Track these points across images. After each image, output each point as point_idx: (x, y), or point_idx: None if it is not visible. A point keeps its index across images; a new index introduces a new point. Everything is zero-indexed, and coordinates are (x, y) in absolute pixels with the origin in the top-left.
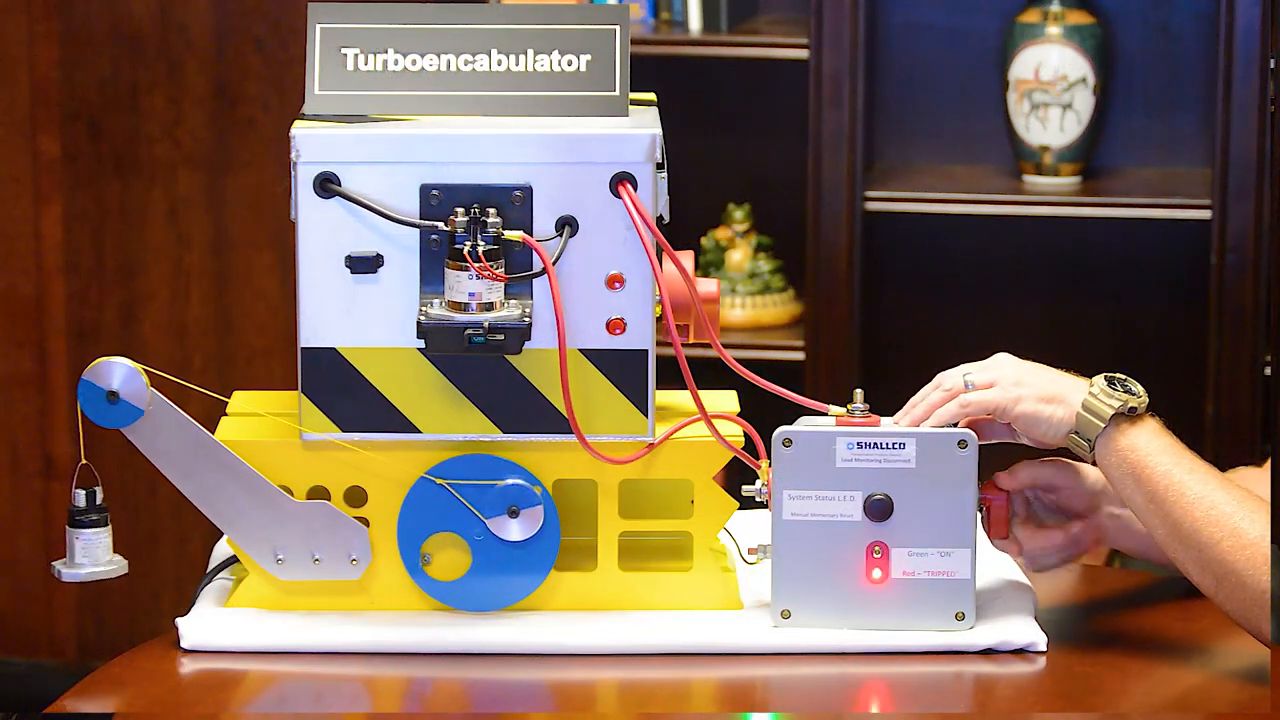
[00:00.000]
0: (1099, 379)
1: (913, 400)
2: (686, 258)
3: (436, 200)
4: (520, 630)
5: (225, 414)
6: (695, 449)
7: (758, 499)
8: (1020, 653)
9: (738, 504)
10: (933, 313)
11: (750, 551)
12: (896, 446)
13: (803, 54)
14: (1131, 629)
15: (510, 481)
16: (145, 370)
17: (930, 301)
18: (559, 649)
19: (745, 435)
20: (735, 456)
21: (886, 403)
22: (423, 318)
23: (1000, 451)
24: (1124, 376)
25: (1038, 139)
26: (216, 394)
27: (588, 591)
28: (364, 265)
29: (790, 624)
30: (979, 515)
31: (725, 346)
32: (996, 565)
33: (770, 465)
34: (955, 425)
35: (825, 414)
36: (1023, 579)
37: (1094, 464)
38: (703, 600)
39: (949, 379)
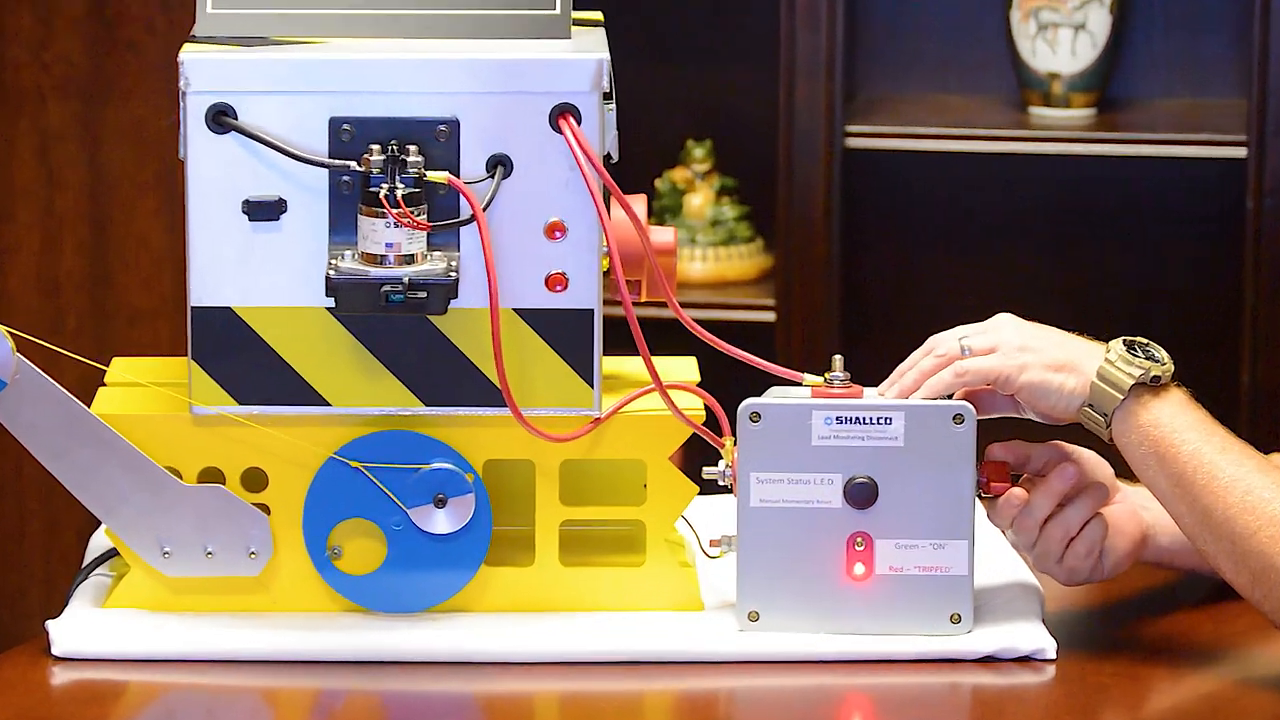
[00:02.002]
0: (1117, 343)
1: (901, 368)
2: (638, 203)
3: (348, 136)
4: (446, 634)
5: (103, 384)
6: (648, 425)
7: (721, 482)
8: (1025, 661)
9: (698, 488)
10: (924, 267)
11: (712, 544)
12: (882, 421)
13: None
14: (1154, 633)
15: (436, 465)
16: (9, 332)
17: (921, 254)
18: (491, 656)
19: (706, 409)
20: (695, 433)
21: (870, 371)
22: (332, 272)
23: (1002, 428)
24: (1146, 340)
25: (1045, 65)
26: (93, 360)
27: (524, 590)
28: (264, 211)
29: (758, 627)
30: (979, 501)
31: (683, 306)
32: (998, 560)
33: (735, 444)
34: (950, 397)
35: (799, 384)
36: (1028, 576)
37: (1110, 441)
38: (657, 600)
39: (943, 343)
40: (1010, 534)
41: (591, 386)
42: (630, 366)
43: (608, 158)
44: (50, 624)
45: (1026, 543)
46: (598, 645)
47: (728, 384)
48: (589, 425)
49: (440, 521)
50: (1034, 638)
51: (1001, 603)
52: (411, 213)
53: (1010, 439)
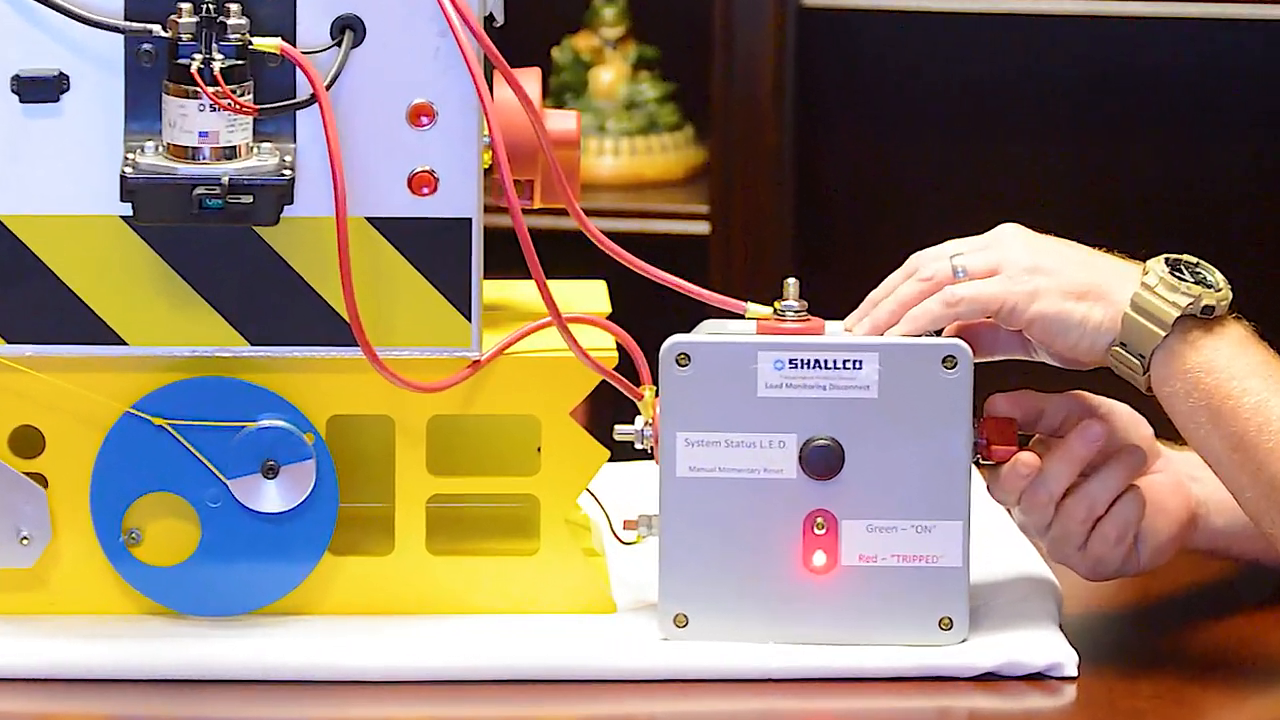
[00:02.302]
0: (1157, 263)
1: (874, 296)
2: (530, 79)
3: None
4: (277, 645)
5: None
6: (543, 370)
7: (638, 445)
8: (1038, 679)
9: (608, 453)
10: (903, 163)
11: (627, 525)
12: (849, 365)
13: None
14: (1206, 642)
15: (265, 422)
16: None
17: (899, 146)
18: (336, 673)
19: (619, 349)
20: (604, 381)
21: (833, 301)
22: (129, 170)
23: (1007, 374)
24: (1194, 259)
25: None
26: None
27: (381, 586)
28: (38, 90)
29: (686, 635)
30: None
31: (590, 214)
32: (1001, 547)
33: (658, 395)
34: (939, 333)
35: (740, 316)
36: (1042, 568)
37: (1149, 391)
38: (555, 599)
39: (930, 264)
40: (1018, 513)
41: (469, 320)
42: (520, 294)
43: (489, 20)
44: None
45: (1039, 524)
46: (476, 659)
47: (648, 316)
48: (465, 371)
49: (271, 496)
50: (1048, 649)
51: (1006, 603)
52: (233, 92)
53: (1017, 389)
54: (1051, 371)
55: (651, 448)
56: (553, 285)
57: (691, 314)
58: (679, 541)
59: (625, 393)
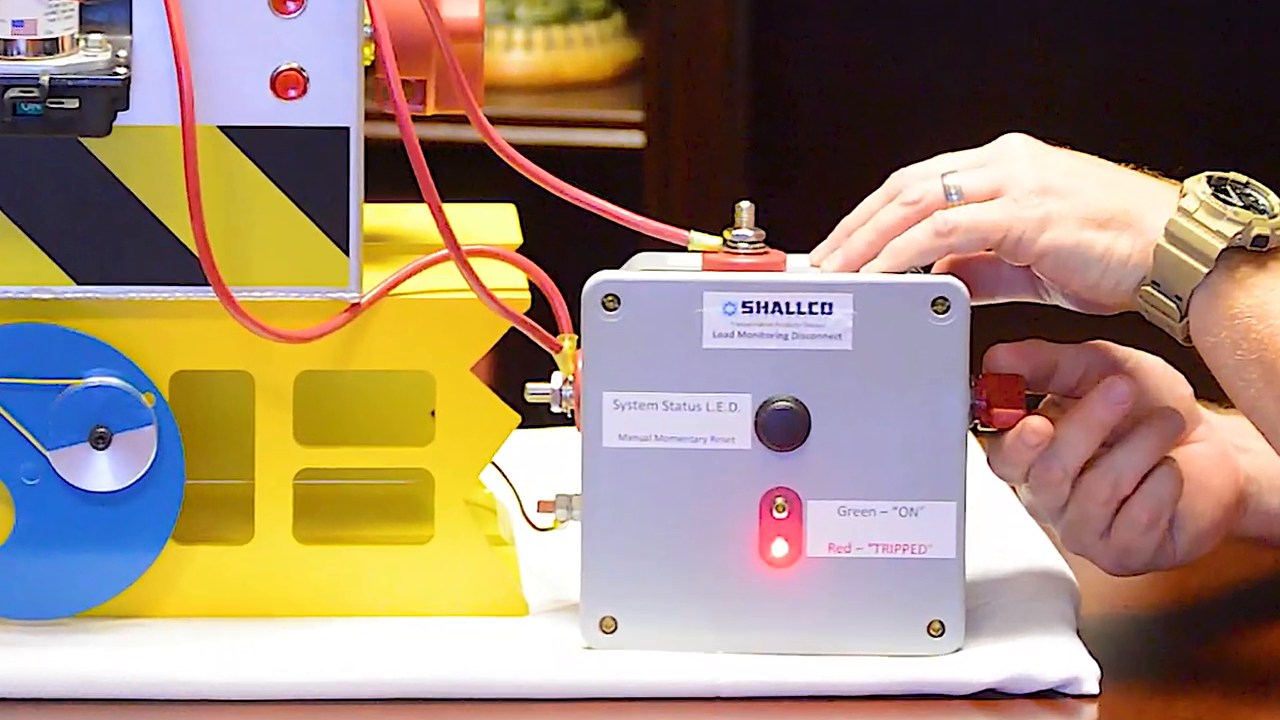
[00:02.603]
0: (1197, 182)
1: (847, 222)
2: None
3: None
4: (108, 655)
5: None
6: (438, 316)
7: (556, 409)
8: (1050, 698)
9: (518, 418)
10: (882, 57)
11: (542, 508)
12: (816, 310)
13: None
14: (1256, 651)
15: (94, 379)
16: None
17: (877, 36)
18: (179, 690)
19: (532, 289)
20: (514, 328)
21: (797, 229)
22: None
23: (1012, 321)
24: (1243, 177)
25: None
26: None
27: (236, 583)
28: None
29: (615, 642)
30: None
31: (496, 123)
32: (1005, 534)
33: (580, 346)
34: (928, 269)
35: (683, 248)
36: (1055, 560)
37: (1187, 342)
38: (453, 598)
39: (917, 183)
40: (1026, 492)
41: (346, 253)
42: (409, 221)
43: None
44: None
45: (1052, 505)
46: (354, 673)
47: (568, 249)
48: (341, 316)
49: (101, 471)
50: (1063, 660)
51: (1011, 603)
52: None
53: (1024, 338)
54: (1067, 317)
55: (572, 411)
56: (450, 210)
57: (622, 246)
58: (606, 527)
59: (540, 343)
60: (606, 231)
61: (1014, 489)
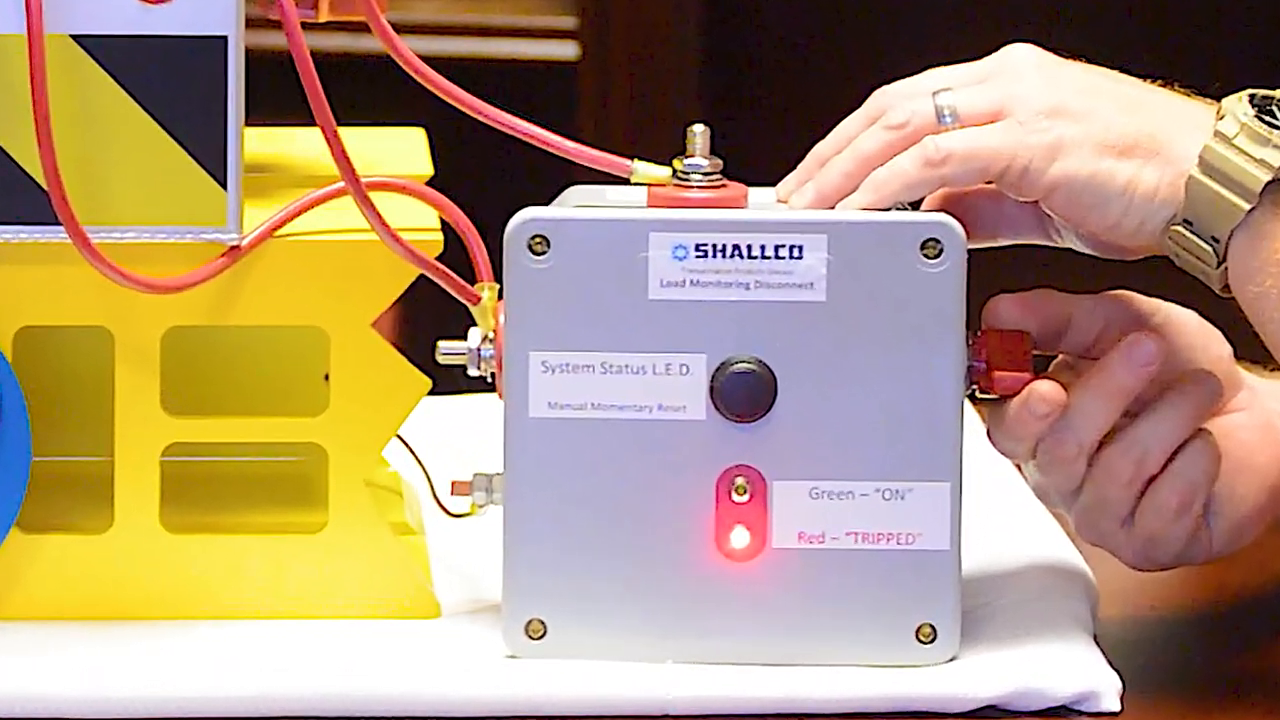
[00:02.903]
0: (1237, 101)
1: (821, 149)
2: None
3: None
4: None
5: None
6: (332, 261)
7: (474, 372)
8: (1062, 715)
9: (429, 383)
10: None
11: (457, 490)
12: (784, 254)
13: None
14: None
15: None
16: None
17: None
18: (24, 707)
19: (445, 228)
20: (423, 276)
21: (760, 159)
22: None
23: (1018, 268)
24: None
25: None
26: None
27: (93, 577)
28: None
29: (544, 650)
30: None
31: (403, 31)
32: (1008, 521)
33: (502, 297)
34: (917, 205)
35: (625, 180)
36: (1068, 552)
37: (1224, 290)
38: (350, 597)
39: (903, 103)
40: (1034, 470)
41: (224, 187)
42: (300, 149)
43: None
44: None
45: (1065, 487)
46: (232, 686)
47: (489, 181)
48: (218, 261)
49: None
50: (1078, 672)
51: (1016, 604)
52: None
53: (1032, 287)
54: (1082, 263)
55: (493, 375)
56: (347, 135)
57: (553, 178)
58: (533, 513)
59: (454, 294)
60: (534, 161)
61: (1019, 467)
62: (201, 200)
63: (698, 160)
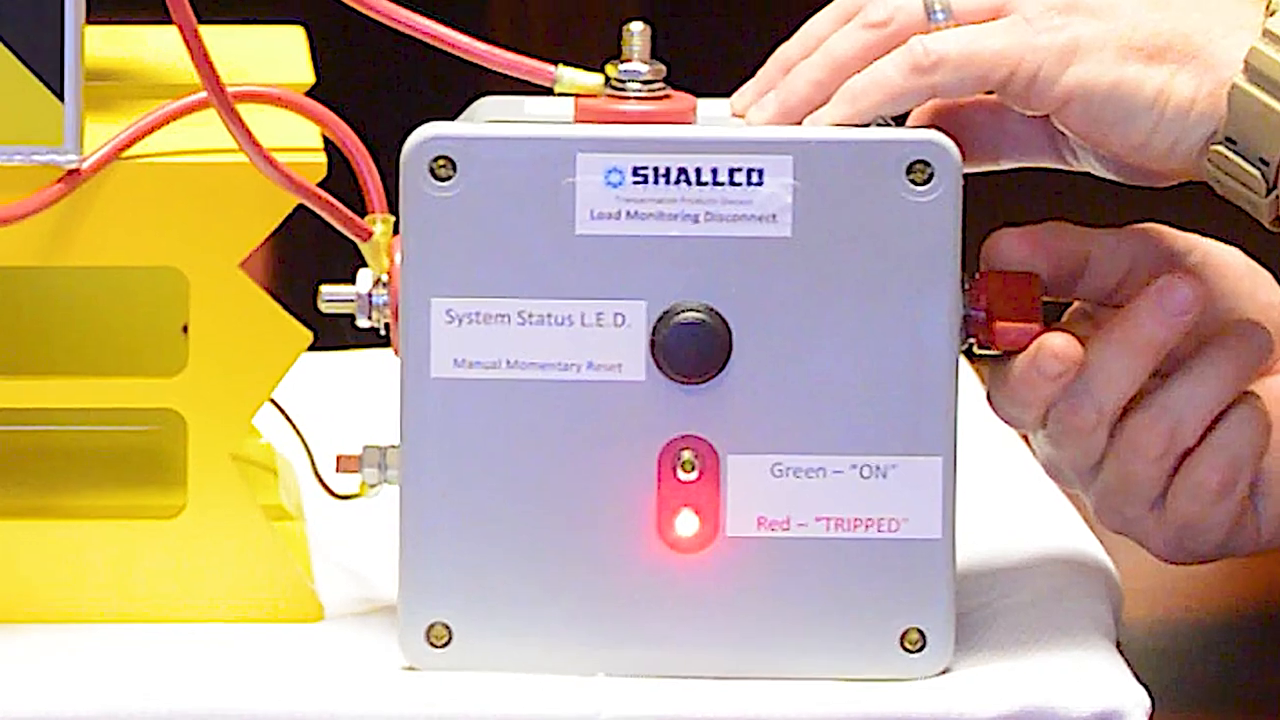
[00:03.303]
0: None
1: (785, 52)
2: None
3: None
4: None
5: None
6: (191, 188)
7: (364, 322)
8: None
9: (310, 336)
10: None
11: (344, 466)
12: (741, 180)
13: None
14: None
15: None
16: None
17: None
18: None
19: (330, 149)
20: (301, 206)
21: (709, 64)
22: None
23: (1022, 199)
24: None
25: None
26: None
27: None
28: None
29: (450, 660)
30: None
31: None
32: (1012, 504)
33: (399, 230)
34: (902, 120)
35: (549, 90)
36: (1085, 541)
37: (1275, 223)
38: (214, 596)
39: None
40: (1043, 441)
41: (60, 98)
42: (152, 51)
43: None
44: None
45: (1082, 462)
46: (72, 702)
47: (382, 91)
48: (54, 188)
49: None
50: (1097, 686)
51: (1022, 604)
52: None
53: (1041, 220)
54: (1102, 191)
55: (387, 326)
56: (210, 35)
57: (460, 87)
58: (435, 495)
59: (340, 228)
60: (438, 67)
61: (1026, 439)
62: (32, 114)
63: (635, 66)
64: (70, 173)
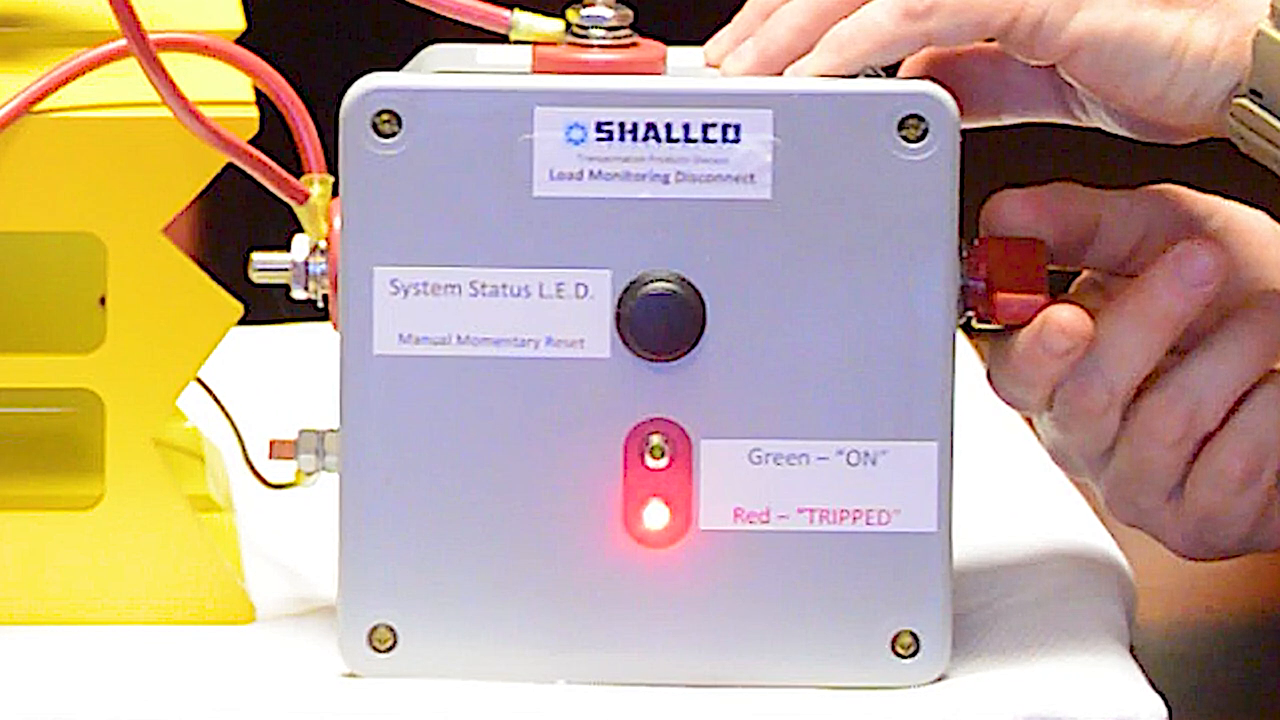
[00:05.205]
0: None
1: None
2: None
3: None
4: None
5: None
6: (109, 145)
7: (300, 293)
8: None
9: (240, 308)
10: None
11: (277, 452)
12: (715, 136)
13: None
14: None
15: None
16: None
17: None
18: None
19: (264, 103)
20: (231, 165)
21: (683, 10)
22: None
23: (1025, 155)
24: None
25: None
26: None
27: None
28: None
29: (394, 667)
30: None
31: None
32: (1015, 493)
33: (338, 192)
34: (892, 71)
35: (504, 38)
36: (1095, 536)
37: None
38: (135, 595)
39: None
40: (1049, 425)
41: None
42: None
43: None
44: None
45: (1091, 448)
46: None
47: (319, 38)
48: None
49: None
50: (1109, 693)
51: (1027, 605)
52: None
53: (1047, 181)
54: (1114, 149)
55: (325, 298)
56: None
57: (405, 34)
58: (379, 484)
59: (274, 189)
60: (381, 12)
61: (1030, 422)
62: None
63: (599, 10)
64: None
